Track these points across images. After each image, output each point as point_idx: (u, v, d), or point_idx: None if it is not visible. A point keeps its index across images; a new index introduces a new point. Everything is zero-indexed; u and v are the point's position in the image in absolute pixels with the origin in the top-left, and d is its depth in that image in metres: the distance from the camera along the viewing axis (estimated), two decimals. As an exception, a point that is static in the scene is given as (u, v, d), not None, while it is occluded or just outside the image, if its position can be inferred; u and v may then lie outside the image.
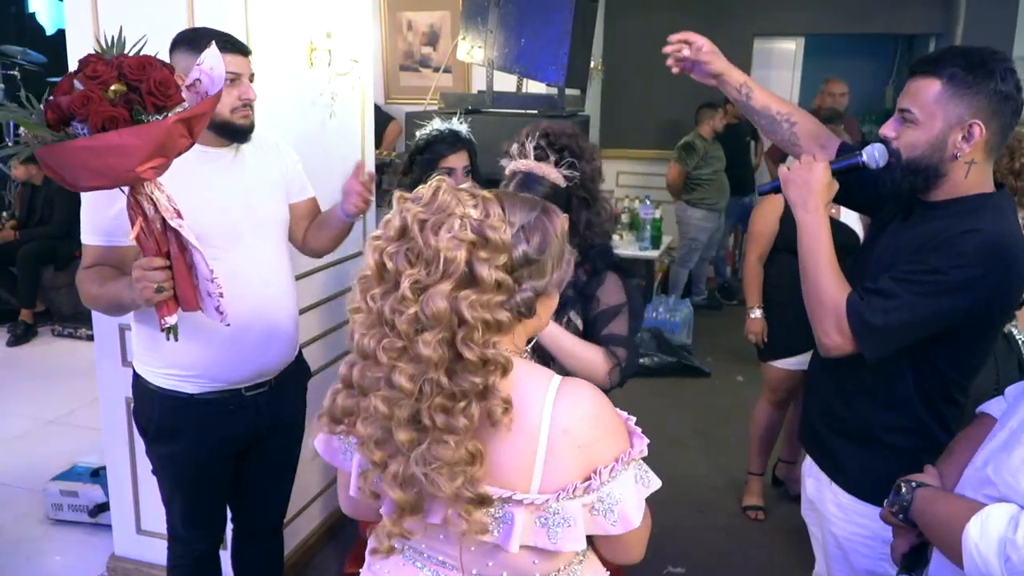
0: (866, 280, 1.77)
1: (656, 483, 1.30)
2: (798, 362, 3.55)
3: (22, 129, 1.66)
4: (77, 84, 1.62)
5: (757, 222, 3.65)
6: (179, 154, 1.74)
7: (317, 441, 1.43)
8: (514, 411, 1.19)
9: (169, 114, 1.66)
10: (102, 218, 2.02)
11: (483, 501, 1.18)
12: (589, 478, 1.22)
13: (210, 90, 1.77)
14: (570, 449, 1.21)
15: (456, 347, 1.13)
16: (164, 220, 1.77)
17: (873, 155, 1.79)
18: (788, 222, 3.50)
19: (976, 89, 1.65)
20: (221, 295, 1.82)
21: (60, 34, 8.28)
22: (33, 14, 8.92)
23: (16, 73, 7.52)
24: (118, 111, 1.59)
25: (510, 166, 2.09)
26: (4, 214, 6.44)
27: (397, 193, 1.21)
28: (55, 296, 6.23)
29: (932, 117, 1.68)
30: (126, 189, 1.75)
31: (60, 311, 6.23)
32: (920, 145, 1.70)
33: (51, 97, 1.64)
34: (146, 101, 1.62)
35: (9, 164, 6.32)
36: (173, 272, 1.80)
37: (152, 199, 1.74)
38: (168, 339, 1.87)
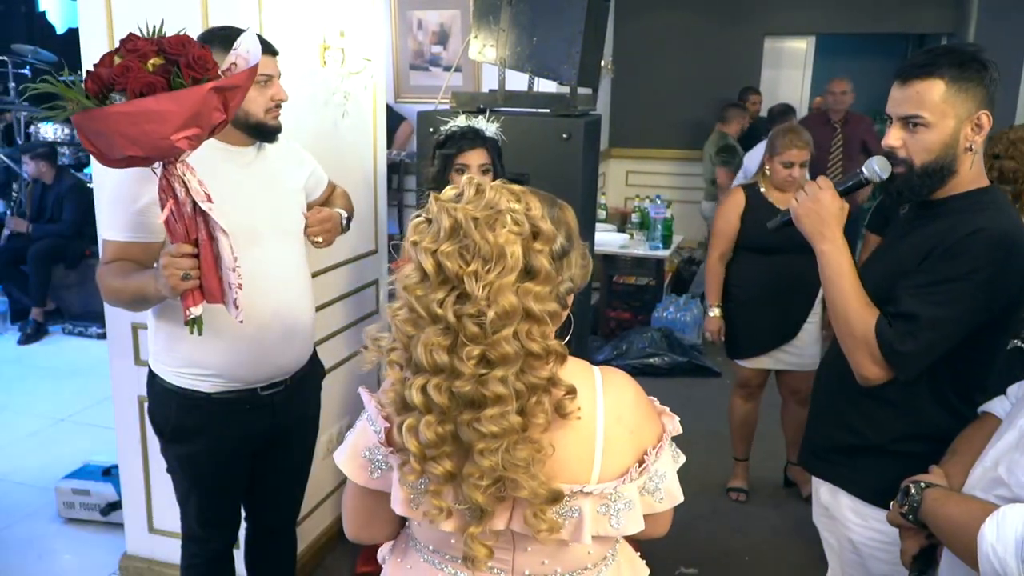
0: (876, 285, 1.78)
1: (682, 457, 1.37)
2: (766, 360, 3.70)
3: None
4: (117, 60, 1.66)
5: (719, 220, 3.70)
6: (214, 130, 1.76)
7: (341, 459, 1.36)
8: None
9: None
10: (126, 213, 2.02)
11: (557, 498, 1.19)
12: (642, 460, 1.27)
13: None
14: (624, 436, 1.26)
15: (521, 341, 1.13)
16: (194, 204, 1.78)
17: (874, 169, 1.81)
18: (750, 220, 3.54)
19: (977, 81, 1.68)
20: (240, 287, 1.82)
21: (71, 33, 8.33)
22: (44, 13, 8.95)
23: (27, 72, 7.56)
24: (156, 79, 1.63)
25: None
26: (12, 210, 6.45)
27: (432, 195, 1.20)
28: (66, 295, 6.23)
29: (943, 116, 1.69)
30: (159, 170, 1.77)
31: (71, 310, 6.23)
32: (935, 147, 1.71)
33: (92, 68, 1.67)
34: (184, 74, 1.65)
35: (21, 160, 6.35)
36: (200, 261, 1.81)
37: (184, 181, 1.76)
38: (192, 333, 1.87)
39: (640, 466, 1.27)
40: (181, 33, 1.73)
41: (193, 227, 1.80)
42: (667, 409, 1.37)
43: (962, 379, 1.78)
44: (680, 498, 1.32)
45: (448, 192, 1.20)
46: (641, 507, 1.28)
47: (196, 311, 1.84)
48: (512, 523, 1.23)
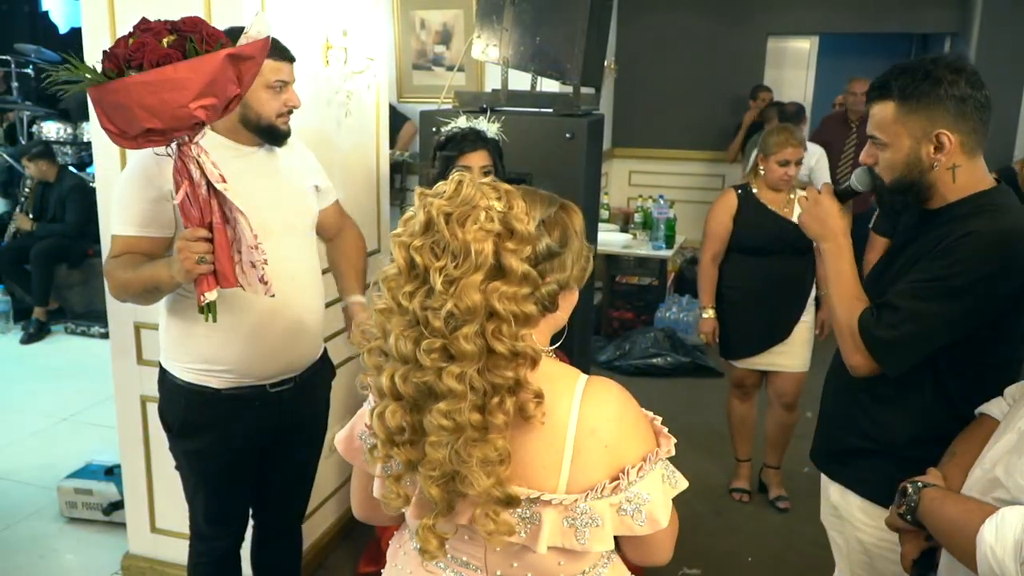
0: (880, 294, 1.79)
1: (683, 483, 1.29)
2: (758, 361, 3.72)
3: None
4: (132, 42, 1.69)
5: (711, 222, 3.71)
6: (229, 103, 1.79)
7: (338, 439, 1.41)
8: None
9: None
10: (135, 209, 2.03)
11: (511, 502, 1.17)
12: (617, 478, 1.21)
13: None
14: (597, 449, 1.21)
15: (487, 341, 1.12)
16: (209, 186, 1.80)
17: (852, 180, 1.88)
18: (742, 221, 3.55)
19: (927, 100, 1.68)
20: (265, 262, 1.85)
21: (73, 33, 8.34)
22: (47, 12, 8.97)
23: (30, 72, 7.56)
24: (171, 51, 1.67)
25: None
26: (17, 210, 6.46)
27: (418, 189, 1.20)
28: (68, 294, 6.25)
29: (897, 136, 1.72)
30: (174, 152, 1.79)
31: (73, 309, 6.25)
32: (897, 166, 1.75)
33: (108, 51, 1.71)
34: (199, 49, 1.69)
35: (23, 161, 6.35)
36: (214, 245, 1.82)
37: (198, 162, 1.78)
38: (207, 320, 1.89)
39: (612, 483, 1.21)
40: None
41: (208, 210, 1.82)
42: (665, 430, 1.30)
43: (967, 384, 1.77)
44: (663, 525, 1.24)
45: (437, 187, 1.20)
46: (613, 527, 1.22)
47: (211, 296, 1.86)
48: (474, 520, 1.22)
